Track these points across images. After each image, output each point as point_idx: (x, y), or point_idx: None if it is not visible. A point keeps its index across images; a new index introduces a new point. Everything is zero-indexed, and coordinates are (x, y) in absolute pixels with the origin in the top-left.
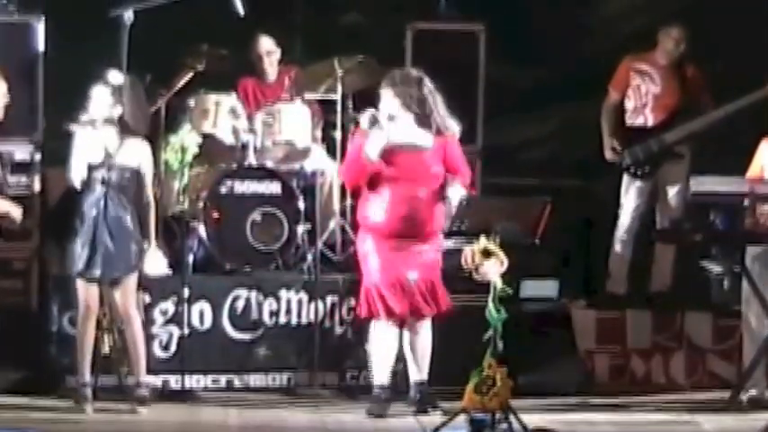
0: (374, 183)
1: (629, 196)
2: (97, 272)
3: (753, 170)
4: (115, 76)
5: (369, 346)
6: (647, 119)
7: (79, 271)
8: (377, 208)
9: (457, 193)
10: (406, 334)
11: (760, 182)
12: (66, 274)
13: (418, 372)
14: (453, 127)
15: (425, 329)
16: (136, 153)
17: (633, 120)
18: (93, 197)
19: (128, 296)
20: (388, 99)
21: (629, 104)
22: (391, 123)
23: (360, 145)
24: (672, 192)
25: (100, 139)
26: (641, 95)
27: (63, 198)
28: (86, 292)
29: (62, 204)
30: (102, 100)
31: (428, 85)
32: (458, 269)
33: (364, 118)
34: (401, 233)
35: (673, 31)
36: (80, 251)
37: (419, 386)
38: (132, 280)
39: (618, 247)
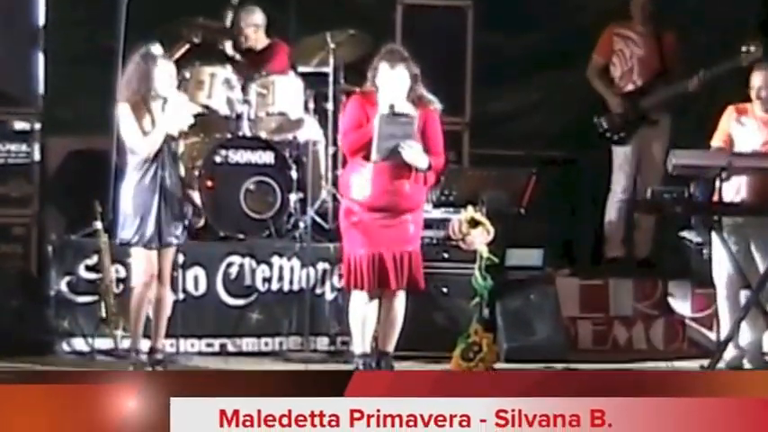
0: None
1: (618, 163)
2: (157, 238)
3: (717, 138)
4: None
5: (349, 316)
6: (636, 83)
7: (140, 240)
8: (360, 180)
9: (420, 158)
10: (383, 305)
11: (733, 155)
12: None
13: (383, 343)
14: (436, 102)
15: (398, 302)
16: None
17: (623, 86)
18: (147, 167)
19: (170, 262)
20: (386, 73)
21: (617, 72)
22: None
23: (357, 111)
24: (652, 162)
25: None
26: (626, 59)
27: (63, 166)
28: (148, 260)
29: (62, 172)
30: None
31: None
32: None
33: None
34: (382, 207)
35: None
36: (136, 220)
37: (382, 356)
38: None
39: (612, 214)
